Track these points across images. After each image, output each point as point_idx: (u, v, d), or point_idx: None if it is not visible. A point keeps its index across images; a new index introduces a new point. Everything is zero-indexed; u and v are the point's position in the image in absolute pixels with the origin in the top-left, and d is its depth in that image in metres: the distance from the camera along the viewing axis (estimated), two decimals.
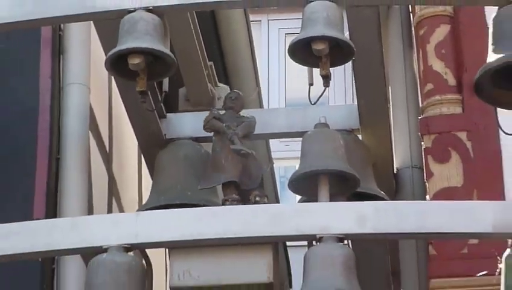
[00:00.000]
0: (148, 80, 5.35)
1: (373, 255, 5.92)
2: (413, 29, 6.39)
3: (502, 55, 5.04)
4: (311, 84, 5.36)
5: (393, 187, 6.41)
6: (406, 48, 6.47)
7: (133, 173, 8.07)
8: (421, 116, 6.22)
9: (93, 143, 6.81)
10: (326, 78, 5.22)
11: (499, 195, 5.79)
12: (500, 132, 5.50)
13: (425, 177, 6.15)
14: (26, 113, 6.32)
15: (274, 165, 8.73)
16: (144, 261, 5.15)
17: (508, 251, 4.84)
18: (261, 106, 10.42)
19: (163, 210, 5.81)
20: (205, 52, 7.24)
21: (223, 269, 5.33)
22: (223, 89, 7.28)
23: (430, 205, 5.62)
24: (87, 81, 6.63)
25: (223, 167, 5.98)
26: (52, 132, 6.35)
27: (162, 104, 6.55)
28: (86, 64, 6.63)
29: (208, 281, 5.39)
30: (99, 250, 5.01)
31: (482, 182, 5.89)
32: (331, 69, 5.22)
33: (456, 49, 6.18)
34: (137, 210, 7.04)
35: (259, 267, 5.32)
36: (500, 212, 5.01)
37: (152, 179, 6.63)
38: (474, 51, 5.83)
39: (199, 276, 5.39)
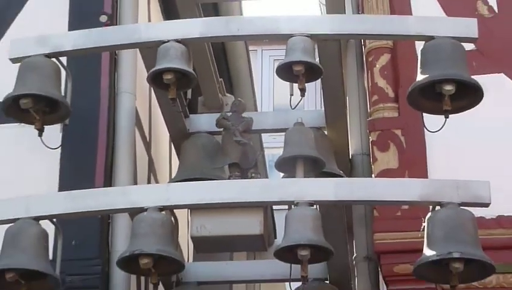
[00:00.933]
0: (177, 90, 5.38)
1: (334, 215, 5.94)
2: (364, 56, 6.38)
3: (426, 75, 5.07)
4: (291, 94, 5.35)
5: (348, 168, 6.42)
6: (359, 70, 6.47)
7: (165, 156, 8.09)
8: (369, 118, 6.22)
9: (137, 135, 6.83)
10: (303, 91, 5.24)
11: (424, 175, 5.81)
12: (425, 129, 5.55)
13: (371, 161, 6.15)
14: (90, 114, 6.34)
15: (265, 152, 8.68)
16: (172, 218, 5.15)
17: (429, 213, 4.88)
18: (255, 109, 10.46)
19: (186, 182, 5.86)
20: (217, 71, 7.27)
21: (228, 224, 5.38)
22: (229, 98, 7.28)
23: (375, 181, 5.65)
24: (134, 90, 6.64)
25: (229, 153, 6.02)
26: (109, 127, 6.39)
27: (186, 108, 6.57)
28: (133, 78, 6.65)
29: (217, 233, 5.45)
30: (142, 210, 5.04)
31: (411, 165, 5.92)
32: (306, 84, 5.27)
33: (394, 71, 6.19)
34: (168, 182, 7.12)
35: (254, 223, 5.35)
36: (424, 187, 5.04)
37: (179, 160, 6.67)
38: (407, 73, 5.83)
39: (211, 229, 5.44)
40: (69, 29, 6.29)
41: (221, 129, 6.25)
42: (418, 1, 6.25)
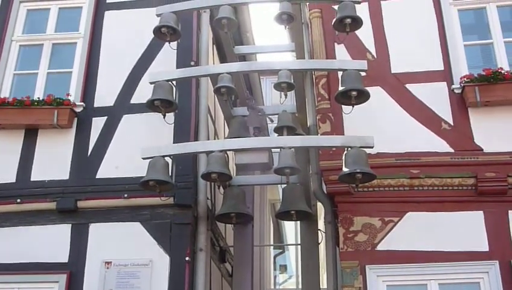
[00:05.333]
0: (227, 95, 5.39)
1: (301, 153, 5.92)
2: (314, 79, 6.17)
3: (343, 87, 5.10)
4: (281, 97, 5.38)
5: (307, 132, 6.21)
6: (311, 85, 6.23)
7: (222, 127, 7.87)
8: (316, 108, 6.01)
9: (209, 119, 6.62)
10: (286, 95, 5.28)
11: (342, 134, 5.64)
12: (343, 113, 5.52)
13: (317, 128, 5.92)
14: (187, 108, 6.13)
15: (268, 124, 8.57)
16: (226, 155, 5.10)
17: (345, 152, 4.89)
18: (263, 104, 10.35)
19: (232, 138, 5.82)
20: (245, 87, 7.20)
21: (252, 157, 5.34)
22: (251, 99, 7.16)
23: (319, 137, 5.61)
24: (207, 95, 6.41)
25: (254, 121, 5.93)
26: (196, 113, 6.21)
27: (231, 104, 6.51)
28: (206, 90, 6.42)
29: (246, 161, 5.38)
30: (211, 152, 5.04)
31: (336, 130, 5.75)
32: (288, 92, 5.29)
33: (328, 86, 6.00)
34: (224, 139, 7.10)
35: (263, 157, 5.32)
36: (343, 139, 5.05)
37: (228, 129, 6.57)
38: (334, 86, 5.72)
39: (244, 160, 5.41)
40: (177, 68, 6.21)
41: (250, 110, 6.14)
42: (339, 52, 6.08)
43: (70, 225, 5.83)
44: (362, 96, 5.11)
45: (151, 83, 5.43)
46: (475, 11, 6.30)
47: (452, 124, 5.69)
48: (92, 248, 5.71)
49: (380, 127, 5.62)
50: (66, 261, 5.68)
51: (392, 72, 5.96)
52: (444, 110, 5.74)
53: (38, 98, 6.33)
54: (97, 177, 6.01)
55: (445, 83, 5.85)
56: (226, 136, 7.11)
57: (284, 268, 14.50)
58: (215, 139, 7.17)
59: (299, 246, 7.28)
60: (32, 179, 6.06)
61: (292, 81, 5.31)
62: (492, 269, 5.12)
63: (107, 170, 6.01)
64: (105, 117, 6.27)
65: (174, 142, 5.90)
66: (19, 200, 5.92)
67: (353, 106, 5.15)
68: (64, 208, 5.84)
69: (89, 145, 6.17)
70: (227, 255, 7.37)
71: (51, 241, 5.77)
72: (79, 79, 6.49)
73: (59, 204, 5.86)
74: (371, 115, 5.65)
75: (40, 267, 5.65)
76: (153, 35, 5.71)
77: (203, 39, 6.64)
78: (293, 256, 13.14)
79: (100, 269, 5.56)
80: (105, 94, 6.39)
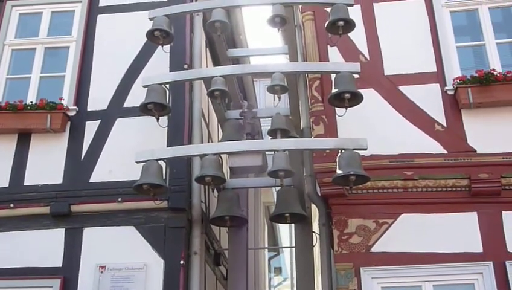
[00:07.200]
0: (220, 98, 5.38)
1: (295, 156, 5.89)
2: (307, 81, 6.18)
3: (336, 90, 5.08)
4: (275, 100, 5.37)
5: (301, 134, 6.21)
6: (305, 88, 6.26)
7: (216, 130, 7.84)
8: (310, 110, 6.02)
9: (203, 122, 6.60)
10: (279, 97, 5.27)
11: (336, 136, 5.69)
12: (336, 115, 5.48)
13: (311, 131, 5.92)
14: (180, 111, 6.14)
15: (261, 127, 8.53)
16: (220, 158, 5.06)
17: (339, 154, 4.87)
18: (256, 107, 10.31)
19: (226, 141, 5.77)
20: (238, 90, 7.20)
21: (245, 160, 5.28)
22: (244, 103, 7.08)
23: (313, 139, 5.63)
24: (200, 99, 6.43)
25: (246, 128, 5.96)
26: (189, 117, 6.22)
27: (225, 107, 6.49)
28: (200, 94, 6.43)
29: (240, 164, 5.27)
30: (205, 155, 5.03)
31: (330, 132, 5.77)
32: (281, 95, 5.29)
33: (321, 88, 6.00)
34: (218, 142, 7.08)
35: (257, 160, 5.25)
36: (336, 142, 5.05)
37: (222, 132, 6.51)
38: (327, 89, 5.73)
39: (238, 163, 5.34)
40: (170, 71, 6.20)
41: (242, 117, 6.12)
42: (332, 54, 6.07)
43: (64, 229, 5.81)
44: (355, 99, 5.11)
45: (144, 87, 5.41)
46: (467, 13, 6.33)
47: (445, 125, 5.71)
48: (86, 252, 5.69)
49: (374, 129, 5.62)
50: (60, 266, 5.66)
51: (385, 74, 5.97)
52: (437, 112, 5.75)
53: (31, 102, 6.32)
54: (91, 181, 5.99)
55: (438, 84, 5.87)
56: (219, 139, 7.07)
57: (278, 271, 14.50)
58: (208, 142, 7.15)
59: (293, 249, 7.27)
60: (25, 184, 6.03)
61: (285, 83, 5.31)
62: (487, 270, 5.13)
63: (100, 173, 6.00)
64: (99, 121, 6.25)
65: (167, 146, 5.88)
66: (12, 205, 5.90)
67: (346, 108, 5.15)
68: (57, 212, 5.82)
69: (83, 149, 6.15)
70: (222, 258, 7.35)
71: (45, 246, 5.75)
72: (72, 83, 6.48)
73: (53, 208, 5.84)
74: (364, 117, 5.64)
75: (34, 272, 5.62)
76: (146, 39, 5.70)
77: (196, 42, 6.64)
78: (287, 258, 13.15)
79: (94, 273, 5.55)
80: (99, 98, 6.37)
